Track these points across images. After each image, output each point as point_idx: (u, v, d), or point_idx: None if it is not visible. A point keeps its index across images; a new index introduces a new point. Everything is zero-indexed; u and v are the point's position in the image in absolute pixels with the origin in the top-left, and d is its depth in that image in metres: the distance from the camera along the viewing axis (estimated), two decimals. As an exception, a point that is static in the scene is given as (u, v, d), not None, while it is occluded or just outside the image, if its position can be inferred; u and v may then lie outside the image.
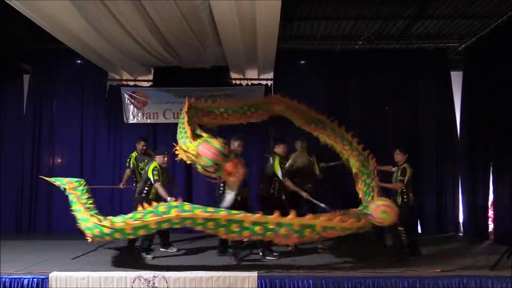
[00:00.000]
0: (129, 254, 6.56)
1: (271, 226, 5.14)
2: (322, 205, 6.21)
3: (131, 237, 5.58)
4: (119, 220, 5.32)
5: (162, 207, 5.30)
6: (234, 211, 5.31)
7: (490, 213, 7.99)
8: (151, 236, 6.42)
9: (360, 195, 6.47)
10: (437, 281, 5.12)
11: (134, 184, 7.55)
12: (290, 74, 9.14)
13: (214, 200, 6.52)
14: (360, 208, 6.13)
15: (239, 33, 6.70)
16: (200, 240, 7.84)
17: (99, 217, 5.58)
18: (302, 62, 9.38)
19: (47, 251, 6.82)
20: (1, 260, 5.82)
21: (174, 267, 5.73)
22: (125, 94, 9.14)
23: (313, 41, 8.87)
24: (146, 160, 7.60)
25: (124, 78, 9.36)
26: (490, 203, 8.00)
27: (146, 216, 5.21)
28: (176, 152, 5.35)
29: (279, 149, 6.53)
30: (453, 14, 7.65)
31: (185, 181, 8.94)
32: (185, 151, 5.15)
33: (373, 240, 7.26)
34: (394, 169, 6.69)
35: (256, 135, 8.72)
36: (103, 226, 5.34)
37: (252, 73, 9.18)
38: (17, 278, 5.20)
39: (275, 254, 6.40)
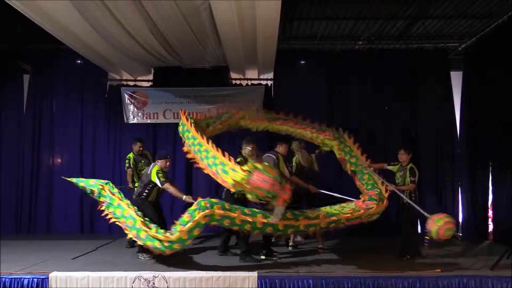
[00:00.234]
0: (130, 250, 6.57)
1: (302, 228, 5.65)
2: (336, 195, 6.39)
3: (188, 242, 5.56)
4: (173, 232, 5.45)
5: (204, 202, 5.37)
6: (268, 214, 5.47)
7: (490, 213, 8.00)
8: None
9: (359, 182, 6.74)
10: (437, 281, 5.12)
11: (131, 184, 7.51)
12: (290, 74, 9.15)
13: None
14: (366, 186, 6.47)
15: (239, 33, 6.70)
16: (200, 240, 7.84)
17: (153, 229, 5.71)
18: (302, 62, 9.37)
19: (47, 251, 6.82)
20: (1, 260, 5.83)
21: (174, 267, 5.73)
22: (125, 94, 9.15)
23: (313, 41, 8.88)
24: (143, 161, 7.60)
25: (124, 78, 9.37)
26: (490, 203, 8.01)
27: (193, 215, 5.30)
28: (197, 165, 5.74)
29: (281, 148, 6.53)
30: (453, 14, 7.66)
31: (185, 181, 8.93)
32: (235, 181, 5.07)
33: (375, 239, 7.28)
34: (391, 167, 6.70)
35: (254, 135, 8.74)
36: (159, 239, 5.49)
37: (252, 73, 9.18)
38: (17, 278, 5.21)
39: (275, 254, 6.40)
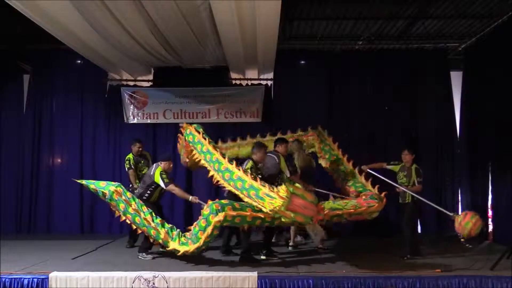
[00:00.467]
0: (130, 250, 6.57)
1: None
2: (334, 194, 6.57)
3: (211, 240, 5.75)
4: (190, 244, 5.74)
5: (215, 205, 5.54)
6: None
7: (490, 213, 7.99)
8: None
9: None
10: (437, 281, 5.12)
11: (130, 185, 7.50)
12: (290, 74, 9.15)
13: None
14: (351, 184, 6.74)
15: (239, 33, 6.70)
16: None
17: (176, 239, 5.97)
18: (302, 62, 9.37)
19: (47, 251, 6.81)
20: (1, 260, 5.82)
21: (174, 267, 5.73)
22: (125, 94, 9.14)
23: (313, 41, 8.88)
24: (143, 161, 7.59)
25: (124, 78, 9.37)
26: (489, 203, 8.00)
27: (209, 219, 5.51)
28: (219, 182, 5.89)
29: (281, 148, 6.54)
30: (453, 14, 7.66)
31: (185, 182, 8.92)
32: (274, 208, 5.10)
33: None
34: (390, 167, 6.70)
35: (253, 135, 8.76)
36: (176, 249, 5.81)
37: (252, 73, 9.18)
38: (17, 278, 5.20)
39: (275, 254, 6.40)
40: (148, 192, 6.46)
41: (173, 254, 6.70)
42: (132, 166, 7.51)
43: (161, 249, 6.84)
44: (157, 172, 6.35)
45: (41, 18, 6.22)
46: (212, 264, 5.92)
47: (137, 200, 6.27)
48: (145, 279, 5.14)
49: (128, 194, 6.30)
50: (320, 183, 7.24)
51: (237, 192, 5.65)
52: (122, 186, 6.39)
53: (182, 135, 6.65)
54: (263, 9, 5.86)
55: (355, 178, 6.82)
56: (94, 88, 9.28)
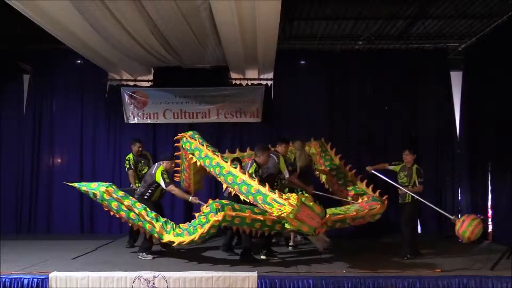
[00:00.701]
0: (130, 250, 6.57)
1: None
2: (335, 197, 6.60)
3: (207, 236, 5.84)
4: (186, 235, 5.77)
5: (215, 204, 5.57)
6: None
7: (490, 213, 7.99)
8: (152, 237, 6.43)
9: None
10: (437, 281, 5.12)
11: (131, 185, 7.51)
12: (290, 74, 9.15)
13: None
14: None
15: (239, 33, 6.70)
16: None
17: (170, 231, 5.97)
18: (302, 62, 9.37)
19: (47, 251, 6.81)
20: (1, 260, 5.82)
21: (174, 267, 5.73)
22: (125, 94, 9.14)
23: (313, 41, 8.87)
24: (143, 161, 7.59)
25: (124, 78, 9.37)
26: (489, 203, 8.00)
27: (208, 217, 5.55)
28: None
29: (281, 148, 6.54)
30: (453, 14, 7.65)
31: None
32: (281, 214, 5.14)
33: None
34: (392, 167, 6.70)
35: (253, 135, 8.77)
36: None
37: (252, 73, 9.18)
38: (17, 278, 5.20)
39: (275, 254, 6.40)
40: (149, 191, 6.47)
41: (173, 254, 6.74)
42: (132, 167, 7.51)
43: (162, 249, 6.86)
44: (158, 172, 6.35)
45: (41, 18, 6.22)
46: (212, 264, 5.92)
47: (130, 198, 6.25)
48: (145, 279, 5.14)
49: (120, 192, 6.26)
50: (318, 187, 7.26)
51: (241, 196, 5.68)
52: (113, 185, 6.36)
53: (180, 145, 6.71)
54: (263, 9, 5.85)
55: (355, 185, 6.94)
56: (94, 88, 9.28)
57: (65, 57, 8.92)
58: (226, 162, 6.02)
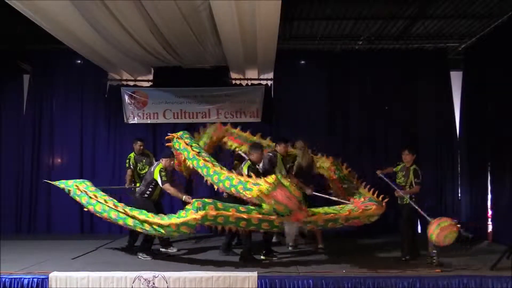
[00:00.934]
0: (130, 253, 6.58)
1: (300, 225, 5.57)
2: (333, 198, 6.44)
3: (174, 234, 5.82)
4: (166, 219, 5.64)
5: (197, 203, 5.47)
6: (264, 210, 5.49)
7: (490, 213, 7.99)
8: (152, 237, 6.43)
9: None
10: (437, 281, 5.12)
11: (133, 184, 7.52)
12: (290, 74, 9.15)
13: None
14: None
15: (239, 33, 6.70)
16: (200, 240, 7.84)
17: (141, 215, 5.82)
18: (302, 62, 9.38)
19: (47, 251, 6.82)
20: (1, 260, 5.82)
21: (174, 267, 5.73)
22: (125, 94, 9.14)
23: (313, 41, 8.88)
24: (144, 160, 7.60)
25: (124, 78, 9.37)
26: (489, 203, 8.00)
27: (187, 213, 5.44)
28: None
29: (280, 147, 6.57)
30: (453, 14, 7.66)
31: (186, 180, 8.90)
32: (259, 191, 5.12)
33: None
34: (395, 169, 6.67)
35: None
36: (149, 222, 5.67)
37: (252, 73, 9.18)
38: (17, 278, 5.20)
39: (275, 254, 6.40)
40: (149, 189, 6.47)
41: (173, 254, 6.74)
42: (132, 166, 7.53)
43: (161, 249, 6.87)
44: (157, 169, 6.39)
45: (41, 18, 6.22)
46: (212, 264, 5.91)
47: (102, 193, 6.36)
48: (145, 279, 5.14)
49: (92, 188, 6.43)
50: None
51: (226, 192, 5.74)
52: (87, 182, 6.59)
53: (172, 145, 6.77)
54: (263, 9, 5.85)
55: (360, 193, 6.73)
56: (94, 88, 9.28)
57: (65, 57, 8.92)
58: (209, 162, 6.06)
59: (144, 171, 7.36)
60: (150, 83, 9.39)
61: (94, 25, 6.50)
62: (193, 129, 7.94)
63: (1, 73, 9.04)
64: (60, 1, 5.77)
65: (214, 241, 7.46)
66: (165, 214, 6.15)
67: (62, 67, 9.25)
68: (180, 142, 6.55)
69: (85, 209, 6.39)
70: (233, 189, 5.54)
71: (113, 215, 6.02)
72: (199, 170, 6.18)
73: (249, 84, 9.27)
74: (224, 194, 6.47)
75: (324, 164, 7.24)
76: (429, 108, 9.05)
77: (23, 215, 8.99)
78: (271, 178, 5.11)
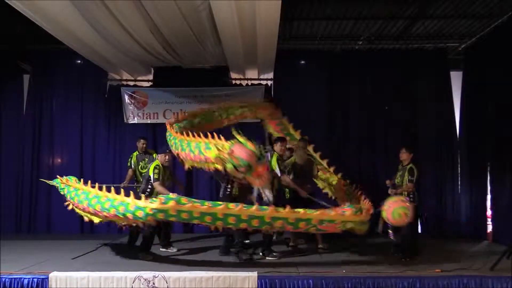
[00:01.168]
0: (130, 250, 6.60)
1: (267, 220, 5.35)
2: (322, 202, 6.31)
3: (139, 220, 5.53)
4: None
5: (160, 198, 5.39)
6: (231, 205, 5.38)
7: (489, 213, 7.99)
8: (152, 236, 6.44)
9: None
10: (437, 281, 5.11)
11: (135, 183, 7.54)
12: (290, 74, 9.15)
13: (217, 199, 6.53)
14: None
15: (239, 33, 6.70)
16: (200, 240, 7.85)
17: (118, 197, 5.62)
18: (302, 62, 9.37)
19: (47, 251, 6.81)
20: (1, 260, 5.82)
21: (174, 267, 5.73)
22: (125, 94, 9.14)
23: (313, 41, 8.88)
24: (146, 159, 7.62)
25: (124, 78, 9.37)
26: (489, 203, 8.00)
27: (150, 203, 5.32)
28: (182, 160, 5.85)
29: (276, 147, 6.59)
30: (453, 14, 7.66)
31: (186, 180, 8.92)
32: (217, 149, 5.25)
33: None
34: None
35: (253, 135, 8.74)
36: (127, 202, 5.47)
37: (252, 73, 9.18)
38: (17, 278, 5.20)
39: (275, 254, 6.40)
40: (150, 187, 6.48)
41: (173, 254, 6.74)
42: (133, 166, 7.56)
43: (161, 249, 6.87)
44: (152, 165, 6.45)
45: (41, 18, 6.22)
46: (212, 264, 5.91)
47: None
48: (145, 279, 5.14)
49: (74, 181, 6.61)
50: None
51: (193, 157, 5.72)
52: (73, 178, 6.81)
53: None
54: (263, 9, 5.85)
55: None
56: (94, 88, 9.28)
57: (65, 57, 8.92)
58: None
59: (145, 170, 7.36)
60: (150, 83, 9.39)
61: (94, 25, 6.50)
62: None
63: (1, 73, 9.04)
64: (60, 1, 5.77)
65: (214, 241, 7.46)
66: None
67: (62, 67, 9.25)
68: (176, 137, 6.30)
69: (66, 203, 6.47)
70: (196, 151, 5.60)
71: (106, 205, 5.65)
72: (186, 152, 5.95)
73: (249, 84, 9.27)
74: (220, 194, 6.50)
75: (331, 179, 7.30)
76: (429, 108, 9.04)
77: (23, 215, 8.99)
78: (232, 141, 5.27)
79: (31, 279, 5.18)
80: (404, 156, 6.52)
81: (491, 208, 7.95)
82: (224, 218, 5.29)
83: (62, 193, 6.66)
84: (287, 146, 7.00)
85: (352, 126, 9.11)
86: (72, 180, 6.73)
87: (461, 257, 6.39)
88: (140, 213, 5.32)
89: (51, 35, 6.83)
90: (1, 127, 9.13)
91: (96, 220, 6.21)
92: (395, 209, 5.66)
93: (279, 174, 6.36)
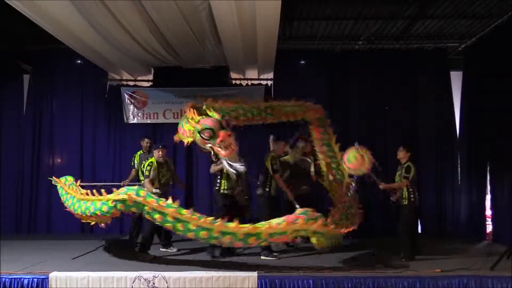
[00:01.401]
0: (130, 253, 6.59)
1: (215, 234, 5.17)
2: (297, 206, 6.01)
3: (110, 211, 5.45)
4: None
5: (123, 189, 5.50)
6: (183, 210, 5.27)
7: (489, 213, 8.00)
8: (151, 236, 6.43)
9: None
10: (437, 281, 5.12)
11: (124, 182, 7.54)
12: (290, 74, 9.14)
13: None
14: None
15: (239, 33, 6.70)
16: (200, 240, 7.83)
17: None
18: (302, 62, 9.37)
19: (47, 251, 6.82)
20: (1, 260, 5.82)
21: (174, 267, 5.73)
22: (125, 94, 9.14)
23: (313, 41, 8.87)
24: (149, 159, 7.61)
25: (124, 78, 9.36)
26: (489, 203, 8.00)
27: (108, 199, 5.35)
28: (177, 138, 5.65)
29: (275, 147, 6.59)
30: (453, 14, 7.66)
31: (186, 179, 8.92)
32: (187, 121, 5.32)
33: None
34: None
35: (253, 135, 8.77)
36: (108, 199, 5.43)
37: (252, 73, 9.18)
38: (17, 278, 5.20)
39: (275, 254, 6.40)
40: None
41: (173, 254, 6.74)
42: (136, 166, 7.56)
43: (161, 249, 6.87)
44: (146, 162, 6.49)
45: (41, 18, 6.22)
46: (212, 264, 5.91)
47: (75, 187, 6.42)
48: (145, 279, 5.14)
49: (70, 183, 6.58)
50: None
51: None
52: (68, 178, 6.71)
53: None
54: (263, 9, 5.86)
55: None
56: (94, 88, 9.28)
57: (65, 57, 8.91)
58: None
59: (146, 171, 7.39)
60: (150, 83, 9.38)
61: (94, 25, 6.50)
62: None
63: (1, 73, 9.03)
64: (60, 1, 5.77)
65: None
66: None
67: (62, 67, 9.25)
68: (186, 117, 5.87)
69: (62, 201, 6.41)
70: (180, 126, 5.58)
71: (98, 204, 5.55)
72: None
73: (249, 84, 9.27)
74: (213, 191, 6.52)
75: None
76: (429, 108, 9.04)
77: (23, 215, 8.99)
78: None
79: (31, 279, 5.18)
80: (401, 154, 6.53)
81: (491, 208, 7.95)
82: (174, 221, 5.21)
83: (60, 192, 6.64)
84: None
85: (352, 126, 9.11)
86: (69, 180, 6.69)
87: (461, 257, 6.39)
88: (105, 208, 5.36)
89: (51, 35, 6.83)
90: (1, 127, 9.14)
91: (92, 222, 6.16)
92: (348, 156, 5.96)
93: (271, 173, 6.38)
